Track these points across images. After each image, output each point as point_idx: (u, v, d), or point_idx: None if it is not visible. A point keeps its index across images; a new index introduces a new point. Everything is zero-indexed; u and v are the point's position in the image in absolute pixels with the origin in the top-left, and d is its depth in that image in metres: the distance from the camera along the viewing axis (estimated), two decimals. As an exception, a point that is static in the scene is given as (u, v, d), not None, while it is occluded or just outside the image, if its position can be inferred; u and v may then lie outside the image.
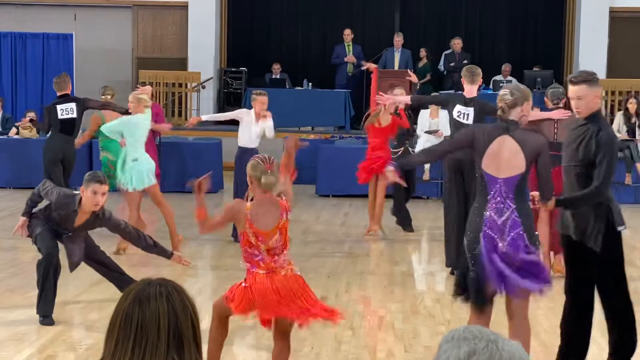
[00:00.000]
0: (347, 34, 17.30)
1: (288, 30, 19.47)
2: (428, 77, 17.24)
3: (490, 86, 17.01)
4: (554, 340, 5.58)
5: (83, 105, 9.87)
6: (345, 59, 17.21)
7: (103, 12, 18.09)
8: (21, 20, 17.95)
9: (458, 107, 7.96)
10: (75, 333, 6.20)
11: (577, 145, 4.99)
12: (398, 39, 16.80)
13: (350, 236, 10.20)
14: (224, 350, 5.09)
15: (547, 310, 6.77)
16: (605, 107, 16.74)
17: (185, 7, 17.79)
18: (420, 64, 17.44)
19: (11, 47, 17.26)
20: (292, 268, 4.90)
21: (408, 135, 10.56)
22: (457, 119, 7.93)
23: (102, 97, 11.06)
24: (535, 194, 5.03)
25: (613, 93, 16.72)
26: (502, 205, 4.86)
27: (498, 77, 17.12)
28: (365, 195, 10.68)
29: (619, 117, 13.44)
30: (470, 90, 8.00)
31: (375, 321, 6.69)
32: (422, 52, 17.51)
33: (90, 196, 6.07)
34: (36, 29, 17.49)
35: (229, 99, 17.94)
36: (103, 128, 9.31)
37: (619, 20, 17.43)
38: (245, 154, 8.74)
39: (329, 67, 17.78)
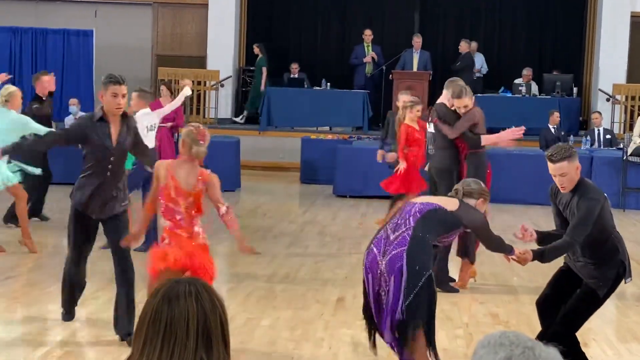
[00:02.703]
0: (368, 35, 17.28)
1: (307, 30, 19.49)
2: (264, 71, 17.22)
3: (511, 89, 16.98)
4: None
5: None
6: (364, 60, 17.19)
7: (123, 9, 18.16)
8: (42, 16, 18.05)
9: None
10: (94, 329, 6.21)
11: (565, 215, 5.12)
12: (417, 40, 16.75)
13: (368, 237, 10.16)
14: (242, 349, 5.10)
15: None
16: (625, 112, 16.66)
17: (205, 5, 17.83)
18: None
19: (32, 43, 17.37)
20: (203, 236, 5.39)
21: None
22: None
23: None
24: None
25: (633, 98, 16.62)
26: (401, 222, 4.67)
27: (518, 81, 17.07)
28: (382, 197, 10.68)
29: (639, 122, 13.36)
30: None
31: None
32: (256, 49, 17.37)
33: (110, 99, 5.76)
34: (57, 25, 17.59)
35: (247, 97, 17.98)
36: None
37: (640, 25, 17.33)
38: None
39: (347, 68, 17.77)
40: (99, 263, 6.91)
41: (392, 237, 4.62)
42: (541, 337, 5.09)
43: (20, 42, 17.37)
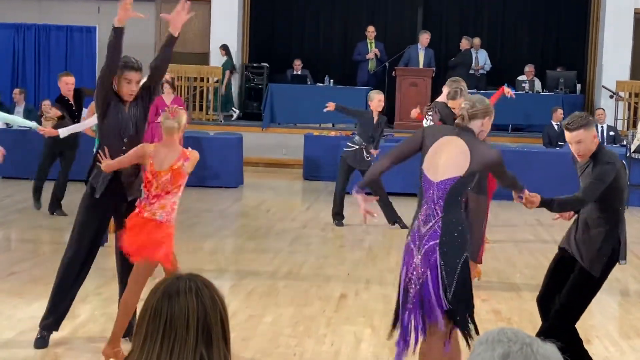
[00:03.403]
0: (371, 31, 17.27)
1: (310, 27, 19.49)
2: (227, 74, 17.19)
3: (514, 86, 16.95)
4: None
5: None
6: (367, 56, 17.19)
7: (127, 5, 18.14)
8: (45, 12, 18.06)
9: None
10: (96, 325, 6.23)
11: (581, 181, 5.17)
12: (426, 37, 16.73)
13: (370, 234, 10.19)
14: (244, 345, 5.10)
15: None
16: (629, 109, 16.64)
17: (208, 2, 17.83)
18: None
19: (35, 39, 17.38)
20: (155, 212, 5.23)
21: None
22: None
23: None
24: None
25: (637, 95, 16.60)
26: (430, 212, 4.61)
27: (521, 77, 17.06)
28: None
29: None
30: None
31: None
32: (221, 51, 17.29)
33: (124, 85, 5.54)
34: (60, 21, 17.60)
35: (250, 94, 17.99)
36: None
37: (644, 21, 17.30)
38: None
39: (350, 64, 17.76)
40: (101, 260, 6.89)
41: (423, 230, 4.61)
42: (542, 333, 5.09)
43: (23, 39, 17.39)
